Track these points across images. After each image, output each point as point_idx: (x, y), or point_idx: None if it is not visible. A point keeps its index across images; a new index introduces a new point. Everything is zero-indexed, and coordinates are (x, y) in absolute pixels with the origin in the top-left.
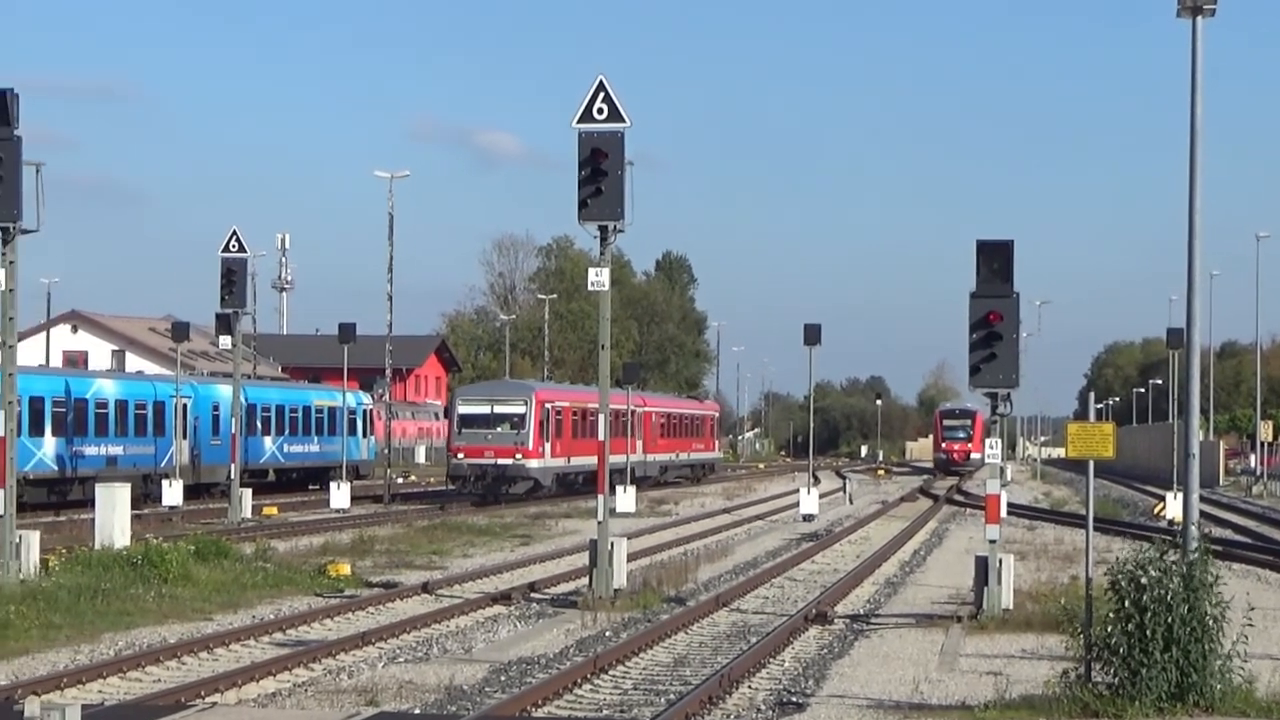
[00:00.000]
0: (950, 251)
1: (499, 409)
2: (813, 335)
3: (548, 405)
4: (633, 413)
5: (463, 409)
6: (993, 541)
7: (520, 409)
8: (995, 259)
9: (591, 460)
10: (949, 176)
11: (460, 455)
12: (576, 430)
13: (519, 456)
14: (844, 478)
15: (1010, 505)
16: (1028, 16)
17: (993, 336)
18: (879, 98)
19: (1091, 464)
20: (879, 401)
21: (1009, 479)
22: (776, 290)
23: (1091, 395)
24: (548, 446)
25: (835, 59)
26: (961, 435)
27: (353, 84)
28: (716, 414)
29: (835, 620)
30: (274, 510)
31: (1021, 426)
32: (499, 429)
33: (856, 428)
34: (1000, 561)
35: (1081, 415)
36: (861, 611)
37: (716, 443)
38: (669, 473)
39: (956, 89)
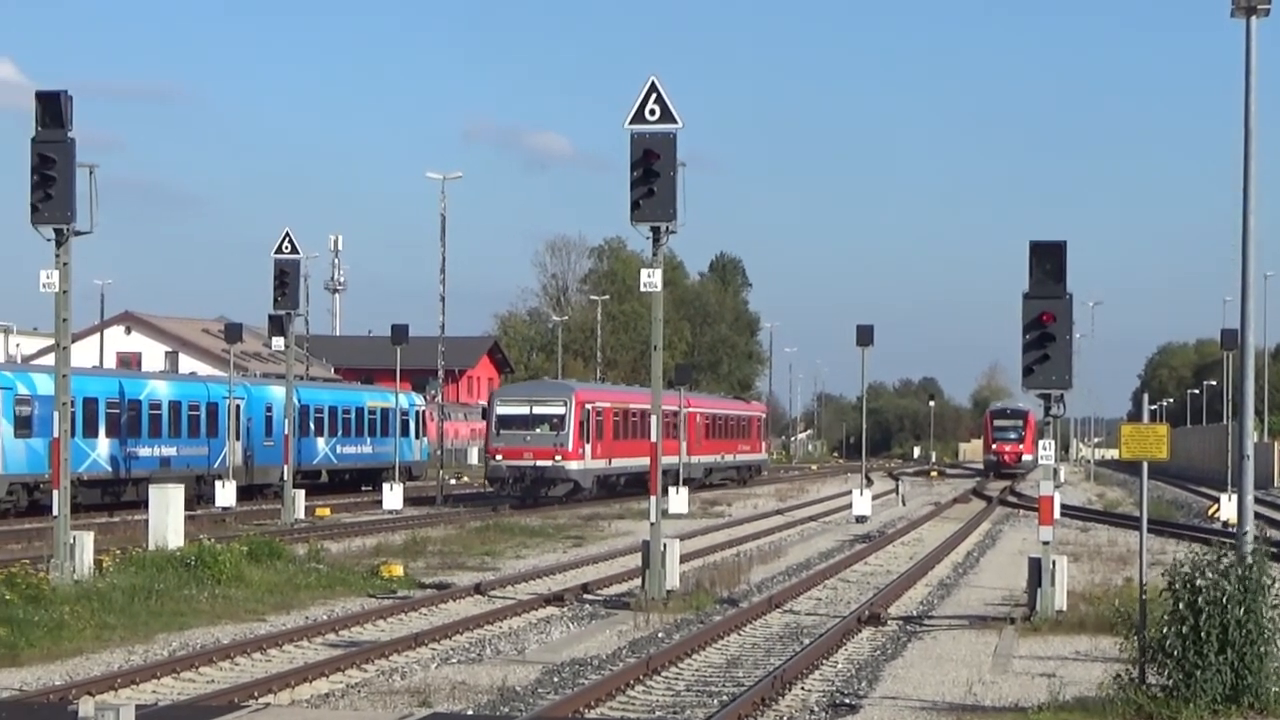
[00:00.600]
0: (1003, 252)
1: (538, 410)
2: (865, 336)
3: (588, 406)
4: (676, 414)
5: (501, 410)
6: (1046, 543)
7: (559, 409)
8: (1048, 260)
9: (634, 462)
10: (1003, 177)
11: (498, 457)
12: (618, 431)
13: (558, 458)
14: (897, 479)
15: (1064, 507)
16: (1080, 16)
17: (1046, 337)
18: (933, 97)
19: (1145, 465)
20: (932, 402)
21: (1062, 480)
22: (830, 291)
23: (1145, 396)
24: (588, 448)
25: (889, 58)
26: (1013, 436)
27: (404, 85)
28: (763, 415)
29: (888, 622)
30: (327, 511)
31: (1075, 428)
32: (538, 430)
33: (909, 429)
34: (1054, 563)
35: (1135, 416)
36: (915, 613)
37: (764, 444)
38: (714, 475)
39: (1010, 89)
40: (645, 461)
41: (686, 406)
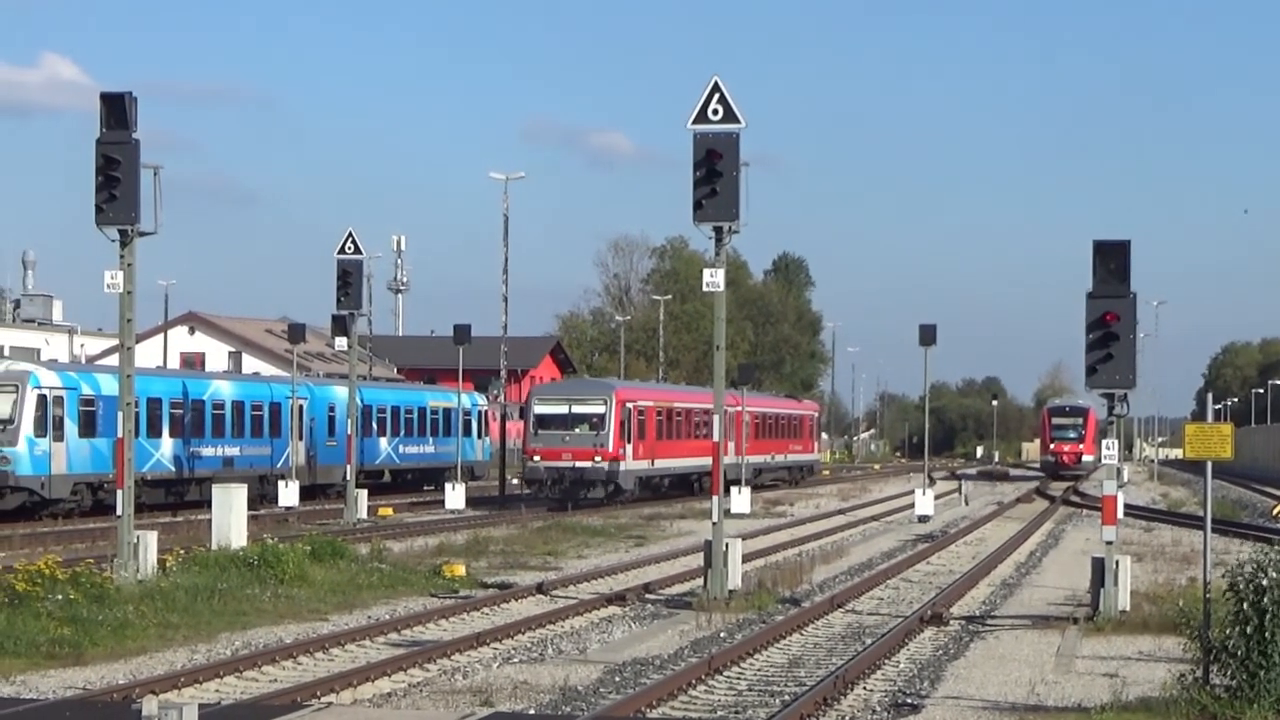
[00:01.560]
0: (1067, 251)
1: (577, 409)
2: (928, 336)
3: (629, 404)
4: (724, 412)
5: (539, 409)
6: (1109, 543)
7: (599, 408)
8: (1112, 259)
9: (678, 462)
10: (1066, 176)
11: (536, 458)
12: (662, 430)
13: (598, 459)
14: (959, 479)
15: (1127, 506)
16: (1144, 9)
17: (1110, 337)
18: (996, 97)
19: (1209, 465)
20: (995, 402)
21: (1125, 480)
22: (892, 291)
23: (1210, 396)
24: (629, 448)
25: (951, 58)
26: (1072, 435)
27: (466, 85)
28: (816, 414)
29: (951, 621)
30: (389, 511)
31: (1138, 427)
32: (577, 430)
33: (972, 428)
34: (1117, 563)
35: (1199, 416)
36: (977, 613)
37: (816, 444)
38: (764, 475)
39: (1074, 88)
40: (690, 462)
41: (736, 405)
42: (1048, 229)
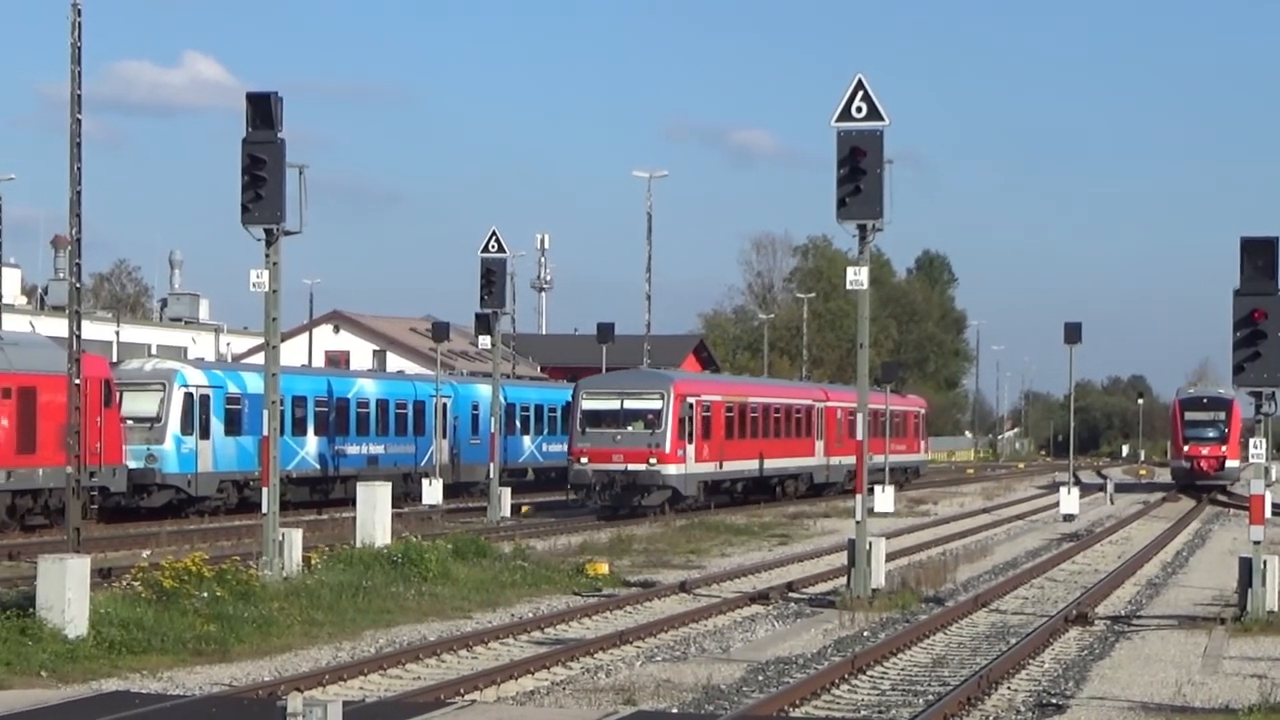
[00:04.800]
0: (1215, 248)
1: (630, 404)
2: (1073, 334)
3: (690, 399)
4: (810, 409)
5: (587, 404)
6: (1257, 542)
7: (655, 404)
8: (1260, 256)
9: (751, 464)
10: (1213, 173)
11: (583, 460)
12: (731, 429)
13: (653, 461)
14: (1104, 477)
15: (1276, 506)
16: None
17: (1257, 334)
18: (1141, 90)
19: None
20: (1140, 400)
21: (1274, 479)
22: (1037, 288)
23: None
24: (690, 449)
25: (1098, 56)
26: (1211, 435)
27: (608, 83)
28: (921, 410)
29: (1096, 621)
30: (532, 509)
31: None
32: (630, 428)
33: (1117, 427)
34: (1265, 563)
35: None
36: (1123, 612)
37: (921, 443)
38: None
39: (1218, 85)
40: (770, 464)
41: (824, 400)
42: (1195, 225)
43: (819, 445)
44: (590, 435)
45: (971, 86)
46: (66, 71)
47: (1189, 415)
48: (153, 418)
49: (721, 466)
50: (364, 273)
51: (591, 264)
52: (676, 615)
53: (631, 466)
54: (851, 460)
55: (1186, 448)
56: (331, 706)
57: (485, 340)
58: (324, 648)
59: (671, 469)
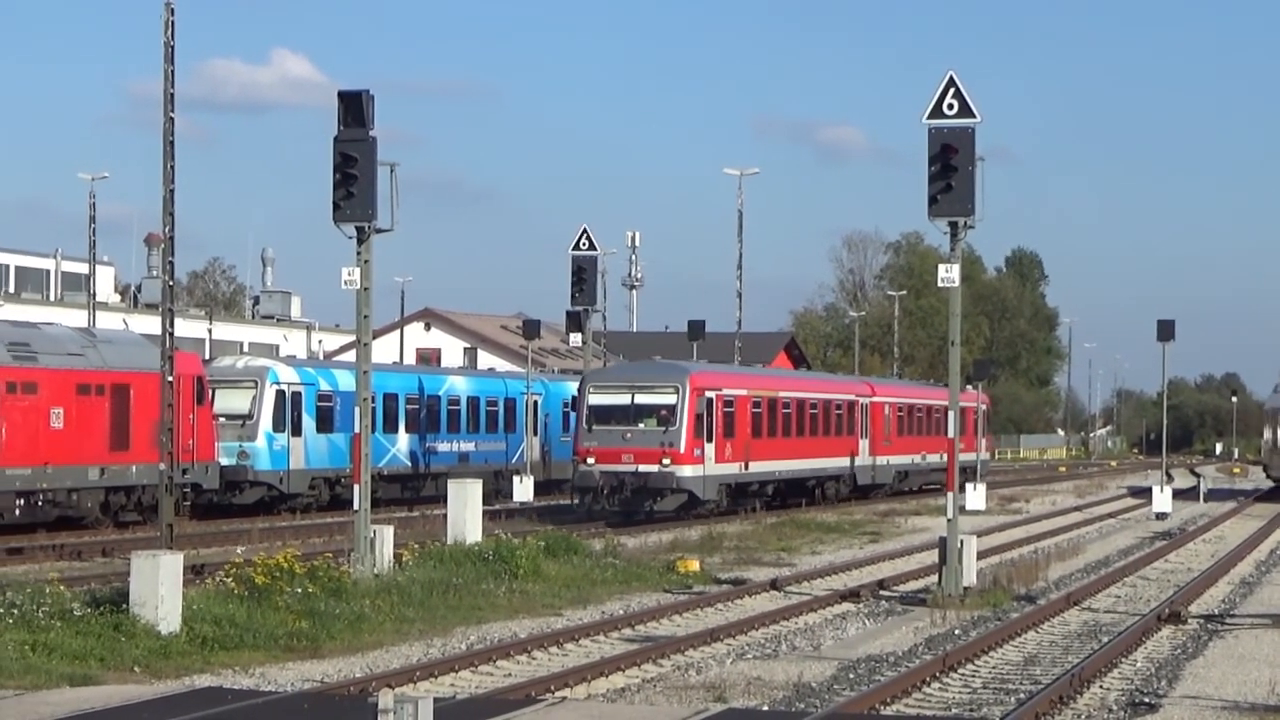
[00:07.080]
0: None
1: (641, 398)
2: (1166, 331)
3: (709, 394)
4: (853, 404)
5: (594, 399)
6: None
7: (669, 398)
8: None
9: (782, 465)
10: None
11: (590, 460)
12: (758, 427)
13: (666, 462)
14: (1198, 475)
15: None
16: None
17: None
18: (1233, 86)
19: None
20: (1234, 398)
21: None
22: (1130, 285)
23: None
24: (709, 448)
25: (1191, 54)
26: None
27: (698, 81)
28: (984, 406)
29: (1189, 620)
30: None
31: None
32: (641, 425)
33: (1210, 425)
34: None
35: None
36: (1216, 611)
37: (982, 441)
38: (911, 480)
39: None
40: (799, 465)
41: (869, 395)
42: None
43: (864, 444)
44: (597, 433)
45: (1062, 82)
46: (159, 70)
47: None
48: (245, 415)
49: (747, 468)
50: (455, 270)
51: (682, 261)
52: (767, 613)
53: (643, 468)
54: (902, 460)
55: None
56: (423, 703)
57: (576, 338)
58: (415, 645)
59: (687, 470)
